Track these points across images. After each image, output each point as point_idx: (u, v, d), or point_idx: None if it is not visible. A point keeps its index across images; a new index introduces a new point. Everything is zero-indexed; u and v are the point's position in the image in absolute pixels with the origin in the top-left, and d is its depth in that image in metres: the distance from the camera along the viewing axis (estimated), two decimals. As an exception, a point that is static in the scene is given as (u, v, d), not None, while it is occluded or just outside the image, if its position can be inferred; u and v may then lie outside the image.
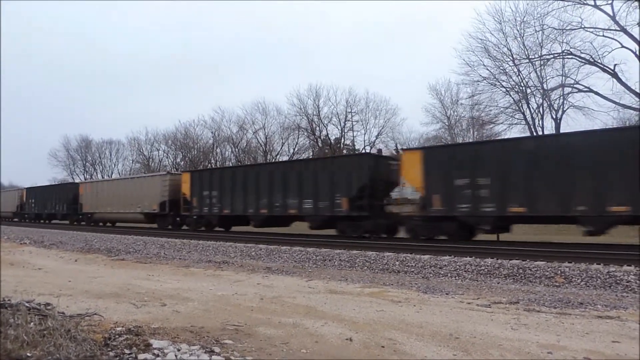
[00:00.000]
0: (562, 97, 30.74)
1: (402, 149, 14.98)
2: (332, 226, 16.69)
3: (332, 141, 47.26)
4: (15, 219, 40.17)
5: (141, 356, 3.61)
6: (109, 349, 3.75)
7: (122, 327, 4.60)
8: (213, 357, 3.76)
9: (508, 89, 32.11)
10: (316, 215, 16.39)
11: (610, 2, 25.36)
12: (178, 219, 22.94)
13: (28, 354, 3.29)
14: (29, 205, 38.06)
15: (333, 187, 15.86)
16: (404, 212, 14.20)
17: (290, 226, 19.83)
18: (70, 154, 66.74)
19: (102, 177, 58.84)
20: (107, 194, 27.75)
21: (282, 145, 48.66)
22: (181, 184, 22.07)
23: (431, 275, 9.63)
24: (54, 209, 34.11)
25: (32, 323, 3.96)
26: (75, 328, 3.97)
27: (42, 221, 36.04)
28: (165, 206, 22.90)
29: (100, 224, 29.51)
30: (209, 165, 48.69)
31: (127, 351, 3.72)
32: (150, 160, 59.87)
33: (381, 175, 15.48)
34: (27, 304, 4.63)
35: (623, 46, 25.74)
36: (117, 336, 4.14)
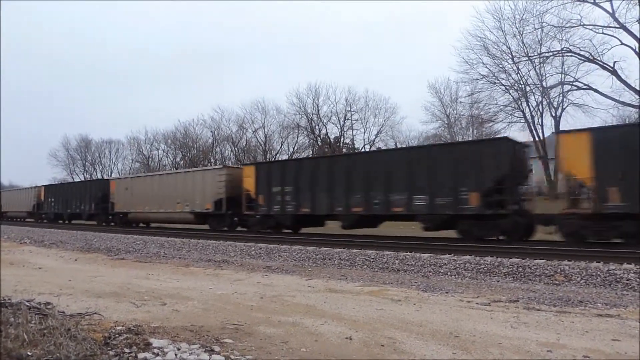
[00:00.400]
0: (561, 95, 30.82)
1: (559, 132, 12.81)
2: (451, 226, 13.95)
3: (332, 140, 47.28)
4: (30, 220, 37.18)
5: (141, 355, 3.62)
6: (109, 348, 3.76)
7: (122, 326, 4.60)
8: (213, 356, 3.76)
9: (507, 87, 32.16)
10: (432, 214, 13.64)
11: (609, -1, 25.34)
12: (236, 219, 20.01)
13: (28, 353, 3.30)
14: (48, 204, 34.68)
15: (457, 180, 13.11)
16: (558, 209, 12.06)
17: (377, 227, 16.96)
18: (70, 153, 66.87)
19: (102, 176, 58.79)
20: (146, 191, 24.52)
21: (282, 144, 48.74)
22: (242, 179, 19.10)
23: (431, 273, 9.64)
24: (79, 209, 30.79)
25: (32, 322, 3.97)
26: (75, 327, 3.98)
27: (60, 222, 33.03)
28: (221, 205, 19.79)
29: (133, 224, 26.86)
30: (209, 164, 48.67)
31: (127, 350, 3.72)
32: (150, 159, 59.89)
33: (520, 164, 13.31)
34: (27, 303, 4.64)
35: (623, 43, 25.78)
36: (117, 335, 4.14)
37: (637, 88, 25.23)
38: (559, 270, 8.72)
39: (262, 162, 25.60)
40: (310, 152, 46.30)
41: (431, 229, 14.06)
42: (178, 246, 15.87)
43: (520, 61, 30.92)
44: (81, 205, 30.72)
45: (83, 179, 57.62)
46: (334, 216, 16.32)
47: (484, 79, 32.10)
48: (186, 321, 5.22)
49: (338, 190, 15.78)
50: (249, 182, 18.70)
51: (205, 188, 20.67)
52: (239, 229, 20.32)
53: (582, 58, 27.53)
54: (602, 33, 26.35)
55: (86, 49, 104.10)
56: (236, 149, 51.05)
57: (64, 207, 32.67)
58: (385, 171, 14.66)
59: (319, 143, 46.99)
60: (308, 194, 16.60)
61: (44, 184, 38.85)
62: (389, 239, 14.85)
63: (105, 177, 56.10)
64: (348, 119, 46.71)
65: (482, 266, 9.55)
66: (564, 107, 31.13)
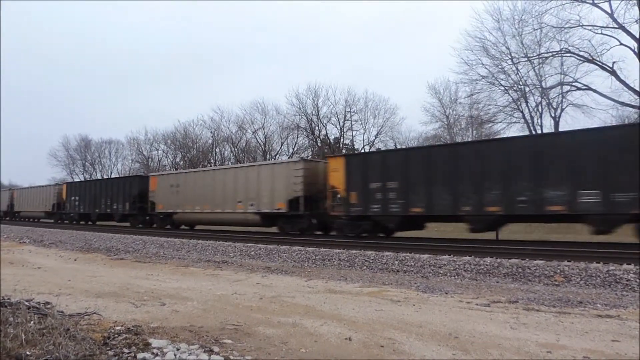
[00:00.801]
0: (560, 95, 30.77)
1: None
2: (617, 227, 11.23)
3: (332, 141, 47.30)
4: (49, 220, 34.36)
5: (140, 355, 3.61)
6: (108, 348, 3.76)
7: (122, 326, 4.60)
8: (212, 356, 3.76)
9: (507, 88, 32.10)
10: (608, 214, 10.76)
11: (608, -1, 25.34)
12: (314, 220, 17.10)
13: (27, 353, 3.30)
14: (72, 203, 31.30)
15: None
16: None
17: (498, 230, 14.12)
18: (70, 153, 66.83)
19: (102, 176, 58.71)
20: (198, 188, 21.42)
21: (282, 145, 48.75)
22: (326, 174, 16.34)
23: (430, 274, 9.64)
24: (110, 209, 27.40)
25: (31, 322, 3.96)
26: (74, 327, 3.98)
27: (82, 222, 30.46)
28: (298, 204, 16.83)
29: (170, 226, 23.74)
30: (209, 165, 48.64)
31: (126, 350, 3.72)
32: (150, 160, 59.89)
33: None
34: (26, 303, 4.64)
35: (621, 44, 25.75)
36: (116, 335, 4.14)
37: (636, 88, 25.24)
38: (558, 270, 8.73)
39: (355, 154, 22.03)
40: (310, 153, 46.32)
41: (604, 231, 11.30)
42: (177, 246, 15.87)
43: (519, 62, 30.90)
44: (113, 205, 27.23)
45: (83, 179, 57.56)
46: (459, 217, 13.40)
47: (483, 80, 32.06)
48: (185, 321, 5.22)
49: (465, 185, 12.85)
50: (336, 177, 15.70)
51: (276, 185, 17.76)
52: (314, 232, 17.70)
53: (581, 58, 27.54)
54: (601, 33, 26.36)
55: (86, 49, 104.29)
56: (236, 149, 51.10)
57: (91, 207, 29.31)
58: (536, 161, 11.82)
59: (319, 144, 47.00)
60: (421, 191, 13.70)
61: (66, 182, 36.69)
62: (389, 240, 14.84)
63: (105, 177, 56.00)
64: (348, 120, 46.71)
65: (482, 267, 9.55)
66: (564, 107, 31.11)
